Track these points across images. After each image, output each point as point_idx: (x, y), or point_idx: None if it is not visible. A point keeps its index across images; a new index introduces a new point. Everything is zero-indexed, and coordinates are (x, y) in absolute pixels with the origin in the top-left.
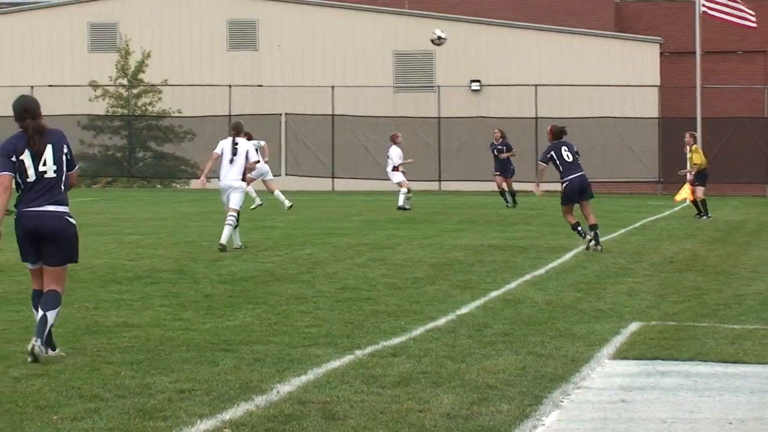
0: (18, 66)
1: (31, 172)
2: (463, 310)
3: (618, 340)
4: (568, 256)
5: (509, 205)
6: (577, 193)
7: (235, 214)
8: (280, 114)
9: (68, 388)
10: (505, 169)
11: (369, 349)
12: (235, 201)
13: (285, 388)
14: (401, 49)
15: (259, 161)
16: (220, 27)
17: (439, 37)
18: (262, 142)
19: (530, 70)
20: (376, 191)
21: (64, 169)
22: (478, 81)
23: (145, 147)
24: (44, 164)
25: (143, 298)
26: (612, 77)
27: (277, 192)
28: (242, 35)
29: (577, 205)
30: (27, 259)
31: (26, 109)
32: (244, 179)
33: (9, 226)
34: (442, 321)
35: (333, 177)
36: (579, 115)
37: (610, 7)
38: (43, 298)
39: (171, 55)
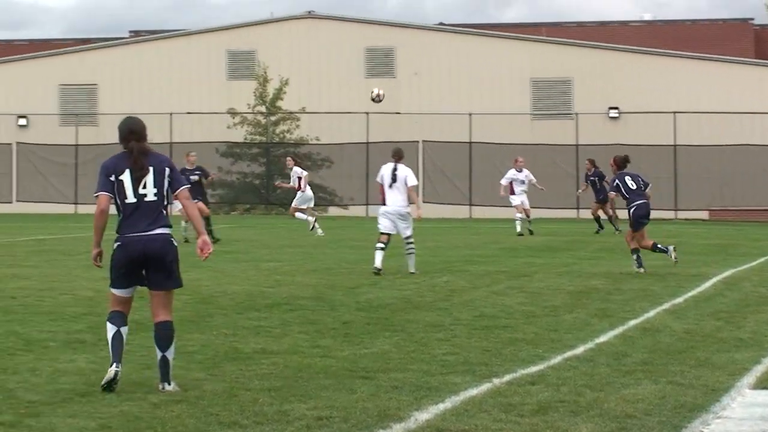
0: (156, 93)
1: (129, 193)
2: (602, 338)
3: (759, 370)
4: (707, 284)
5: (600, 231)
6: (644, 218)
7: (412, 240)
8: (418, 141)
9: (207, 414)
10: (598, 195)
11: (507, 377)
12: (405, 228)
13: (423, 416)
14: (539, 76)
15: (303, 190)
16: (358, 54)
17: (378, 95)
18: (305, 173)
19: (668, 97)
20: (513, 219)
21: (165, 193)
22: (617, 108)
23: (283, 174)
24: (144, 187)
25: (282, 325)
26: (751, 104)
27: (299, 215)
28: (380, 62)
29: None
30: (120, 285)
31: (132, 131)
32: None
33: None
34: (580, 349)
35: (470, 204)
36: (717, 142)
37: (749, 34)
38: (158, 335)
39: (309, 83)
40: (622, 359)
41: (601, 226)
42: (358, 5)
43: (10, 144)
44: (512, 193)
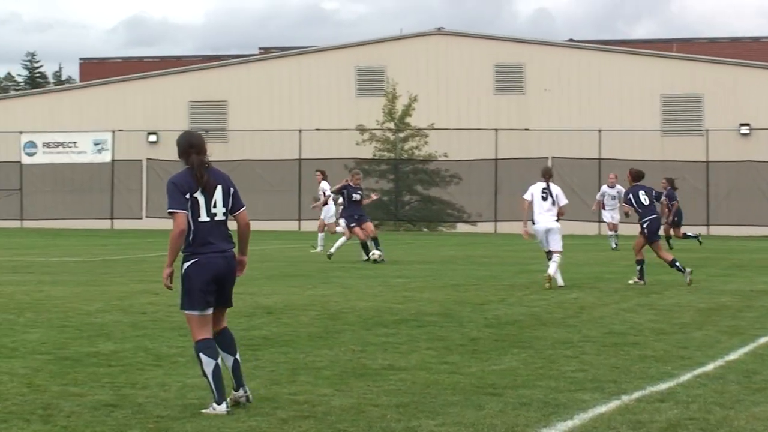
0: (285, 110)
1: (203, 212)
2: (732, 356)
3: None
4: None
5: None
6: (657, 232)
7: (559, 254)
8: (547, 158)
9: (335, 430)
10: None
11: (636, 395)
12: (554, 243)
13: None
14: (669, 92)
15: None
16: (487, 71)
17: (380, 256)
18: (328, 188)
19: None
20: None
21: (228, 211)
22: (748, 125)
23: (411, 191)
24: (215, 206)
25: (409, 341)
26: None
27: (339, 229)
28: (509, 79)
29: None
30: (204, 306)
31: (192, 144)
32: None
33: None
34: (710, 367)
35: (599, 221)
36: None
37: None
38: (226, 341)
39: (437, 99)
40: (752, 377)
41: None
42: (488, 21)
43: (140, 160)
44: (603, 209)
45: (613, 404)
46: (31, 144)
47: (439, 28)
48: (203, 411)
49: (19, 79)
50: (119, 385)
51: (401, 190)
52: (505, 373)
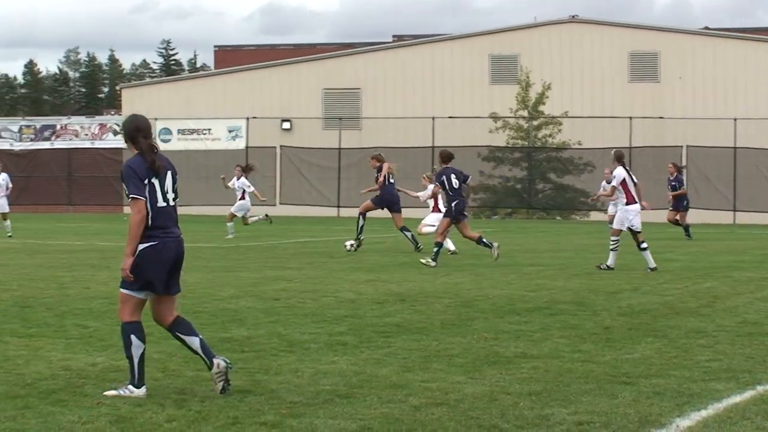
0: (419, 97)
1: (160, 196)
2: None
3: None
4: None
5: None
6: (462, 212)
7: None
8: (681, 146)
9: (467, 417)
10: (678, 203)
11: None
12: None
13: (684, 423)
14: None
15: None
16: (621, 59)
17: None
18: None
19: None
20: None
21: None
22: None
23: (544, 178)
24: (167, 191)
25: (542, 329)
26: None
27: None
28: (643, 67)
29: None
30: (156, 289)
31: (138, 128)
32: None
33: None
34: None
35: (734, 210)
36: None
37: None
38: (186, 326)
39: (572, 87)
40: None
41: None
42: (623, 9)
43: (274, 147)
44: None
45: (748, 394)
46: (166, 131)
47: (573, 16)
48: (114, 392)
49: (155, 67)
50: (252, 370)
51: (534, 178)
52: (639, 362)
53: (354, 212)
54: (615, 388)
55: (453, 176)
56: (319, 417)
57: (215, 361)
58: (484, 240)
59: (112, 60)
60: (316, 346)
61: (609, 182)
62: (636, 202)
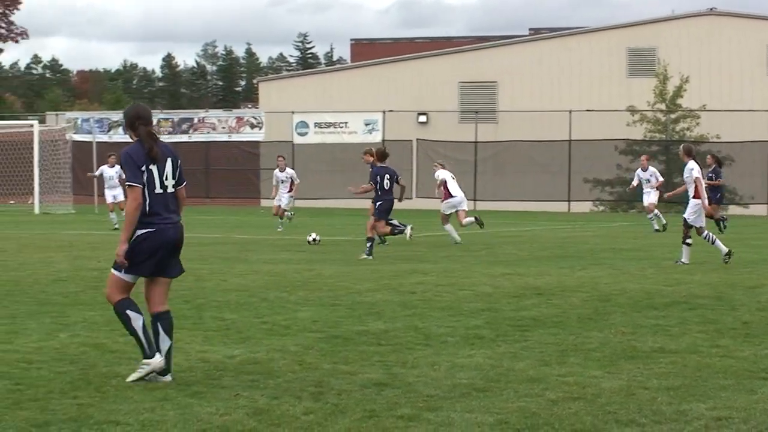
0: (555, 91)
1: (157, 183)
2: None
3: None
4: None
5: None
6: (387, 212)
7: None
8: None
9: (604, 412)
10: (713, 195)
11: None
12: None
13: None
14: None
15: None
16: (760, 52)
17: (314, 240)
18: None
19: None
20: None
21: (176, 184)
22: None
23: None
24: (166, 178)
25: (680, 324)
26: None
27: (466, 219)
28: None
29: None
30: (143, 272)
31: (139, 116)
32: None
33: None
34: None
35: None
36: None
37: None
38: (168, 325)
39: (709, 80)
40: None
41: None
42: (761, 1)
43: (410, 140)
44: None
45: None
46: (303, 124)
47: (711, 9)
48: (136, 374)
49: (291, 60)
50: (389, 363)
51: (672, 172)
52: None
53: (491, 205)
54: (754, 383)
55: (387, 176)
56: (456, 410)
57: (167, 375)
58: (397, 230)
59: (249, 53)
60: (453, 339)
61: (645, 170)
62: (699, 198)
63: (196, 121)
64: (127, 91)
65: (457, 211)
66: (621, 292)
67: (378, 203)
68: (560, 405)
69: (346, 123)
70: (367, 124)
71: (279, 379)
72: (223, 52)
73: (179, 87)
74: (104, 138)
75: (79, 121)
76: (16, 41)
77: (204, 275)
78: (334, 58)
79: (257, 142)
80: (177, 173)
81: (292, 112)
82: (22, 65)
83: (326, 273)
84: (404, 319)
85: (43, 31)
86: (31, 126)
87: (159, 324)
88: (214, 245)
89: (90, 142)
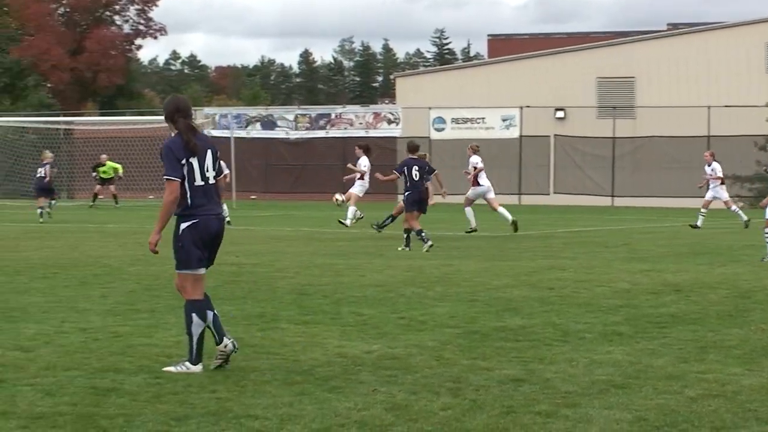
0: (693, 86)
1: (198, 175)
2: None
3: None
4: None
5: None
6: (413, 203)
7: None
8: None
9: (744, 410)
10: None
11: None
12: None
13: None
14: None
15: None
16: None
17: (340, 201)
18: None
19: None
20: None
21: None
22: None
23: None
24: (207, 170)
25: None
26: None
27: (501, 210)
28: None
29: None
30: (199, 266)
31: (178, 108)
32: None
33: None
34: None
35: None
36: None
37: None
38: (206, 301)
39: None
40: None
41: None
42: None
43: (548, 136)
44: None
45: None
46: (440, 120)
47: None
48: (172, 368)
49: (428, 56)
50: (527, 360)
51: None
52: None
53: (629, 202)
54: None
55: (416, 168)
56: (594, 407)
57: (225, 340)
58: (423, 234)
59: (386, 49)
60: (591, 335)
61: (710, 164)
62: None
63: (333, 116)
64: (264, 87)
65: (488, 199)
66: (761, 288)
67: (407, 194)
68: (699, 402)
69: (483, 119)
70: (504, 120)
71: (417, 375)
72: (360, 48)
73: (316, 83)
74: (242, 134)
75: (217, 117)
76: (155, 37)
77: (342, 270)
78: (471, 54)
79: (394, 138)
80: (217, 164)
81: (429, 108)
82: (161, 61)
83: (464, 269)
84: (542, 315)
85: (182, 28)
86: None
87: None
88: (352, 240)
89: (228, 138)
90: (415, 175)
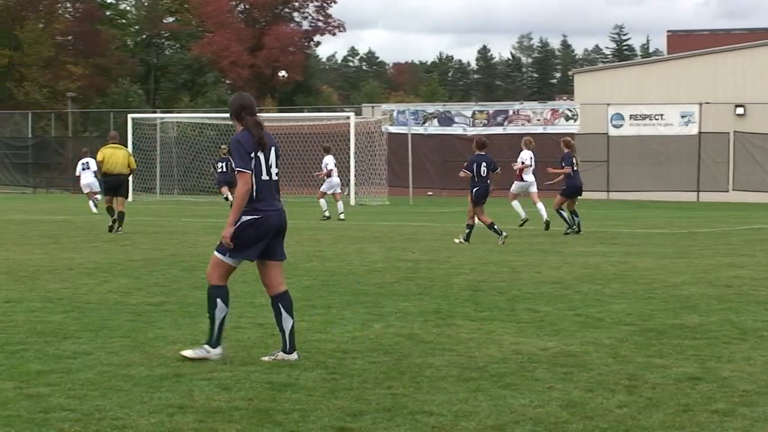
0: None
1: (264, 170)
2: None
3: None
4: None
5: None
6: (482, 198)
7: None
8: None
9: None
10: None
11: None
12: None
13: None
14: None
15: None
16: None
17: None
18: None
19: None
20: None
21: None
22: None
23: None
24: (271, 165)
25: None
26: None
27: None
28: None
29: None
30: (249, 256)
31: (244, 106)
32: None
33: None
34: None
35: None
36: None
37: None
38: (288, 304)
39: None
40: None
41: None
42: None
43: (727, 133)
44: None
45: None
46: (618, 116)
47: None
48: (191, 353)
49: (607, 52)
50: (704, 357)
51: None
52: None
53: None
54: None
55: (484, 164)
56: None
57: (296, 355)
58: (495, 227)
59: (565, 45)
60: None
61: None
62: None
63: (510, 113)
64: (442, 83)
65: (530, 193)
66: None
67: (474, 189)
68: None
69: (661, 115)
70: (683, 117)
71: (592, 372)
72: (539, 44)
73: (494, 79)
74: (419, 130)
75: (394, 113)
76: (333, 34)
77: (518, 267)
78: (650, 50)
79: (572, 134)
80: (278, 162)
81: (608, 104)
82: (339, 58)
83: (641, 266)
84: (719, 313)
85: (360, 24)
86: (348, 118)
87: (280, 304)
88: (528, 237)
89: (405, 134)
90: (483, 171)
